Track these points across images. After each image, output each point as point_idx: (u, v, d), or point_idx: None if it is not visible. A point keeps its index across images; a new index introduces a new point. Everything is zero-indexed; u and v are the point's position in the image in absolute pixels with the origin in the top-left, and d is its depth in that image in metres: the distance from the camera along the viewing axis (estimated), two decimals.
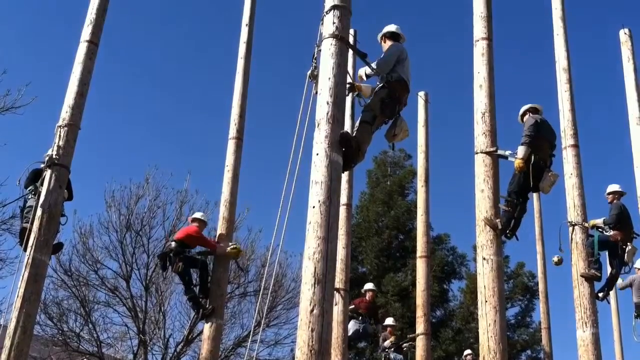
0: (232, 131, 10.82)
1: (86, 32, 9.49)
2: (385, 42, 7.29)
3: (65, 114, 8.97)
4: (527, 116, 8.92)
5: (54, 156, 8.68)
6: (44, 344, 20.52)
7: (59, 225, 9.09)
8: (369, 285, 14.40)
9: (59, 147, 8.75)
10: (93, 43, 9.44)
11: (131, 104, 47.10)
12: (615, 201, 10.75)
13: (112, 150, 43.58)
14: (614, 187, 10.94)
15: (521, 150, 8.00)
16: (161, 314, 20.66)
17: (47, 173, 8.65)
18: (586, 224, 9.36)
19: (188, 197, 20.84)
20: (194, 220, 10.99)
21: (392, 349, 14.12)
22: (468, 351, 16.15)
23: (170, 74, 49.24)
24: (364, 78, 7.03)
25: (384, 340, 14.45)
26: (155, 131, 46.88)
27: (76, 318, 20.36)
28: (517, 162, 7.95)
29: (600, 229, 9.99)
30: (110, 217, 20.35)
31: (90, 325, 20.18)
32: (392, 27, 7.31)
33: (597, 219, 10.22)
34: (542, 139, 8.50)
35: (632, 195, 11.43)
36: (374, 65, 6.65)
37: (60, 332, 19.96)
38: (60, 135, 8.81)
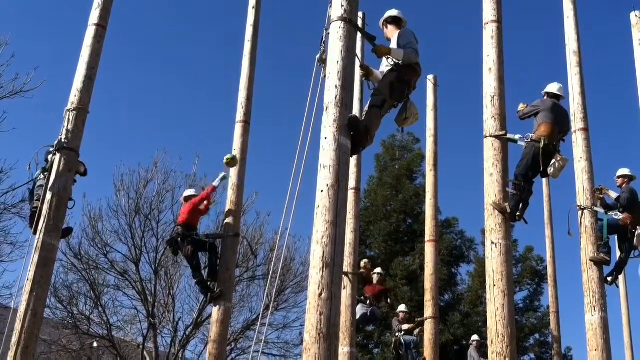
0: (240, 115, 10.83)
1: (94, 15, 9.48)
2: (387, 27, 7.16)
3: (74, 97, 8.98)
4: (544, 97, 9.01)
5: (62, 140, 8.70)
6: (54, 327, 20.67)
7: (67, 209, 9.14)
8: (377, 270, 14.43)
9: (67, 131, 8.77)
10: (101, 26, 9.43)
11: (140, 87, 47.16)
12: (625, 185, 10.71)
13: (121, 134, 43.72)
14: (624, 171, 10.89)
15: None
16: (170, 297, 20.77)
17: (57, 157, 8.67)
18: (596, 208, 9.32)
19: (196, 181, 20.87)
20: (187, 198, 11.04)
21: (403, 333, 14.15)
22: (475, 337, 16.14)
23: (179, 57, 49.19)
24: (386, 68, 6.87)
25: (398, 324, 14.48)
26: (163, 115, 46.93)
27: (86, 301, 20.53)
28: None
29: (607, 211, 9.95)
30: (119, 201, 20.45)
31: (100, 309, 20.32)
32: (394, 12, 7.19)
33: (612, 192, 10.24)
34: (551, 124, 8.47)
35: None
36: (401, 55, 6.51)
37: (70, 315, 20.11)
38: (69, 119, 8.83)
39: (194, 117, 46.25)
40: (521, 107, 8.97)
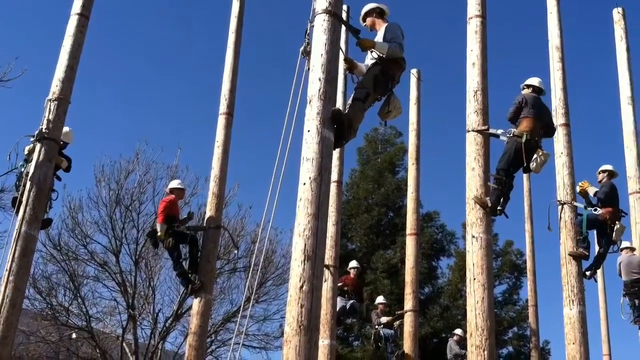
0: (223, 107, 10.79)
1: (77, 5, 9.40)
2: (374, 20, 7.11)
3: (55, 87, 8.91)
4: (523, 91, 9.01)
5: (43, 130, 8.63)
6: (32, 318, 20.53)
7: (51, 201, 9.09)
8: (352, 263, 14.50)
9: (48, 120, 8.69)
10: (84, 16, 9.35)
11: (122, 78, 46.82)
12: (605, 180, 10.82)
13: (102, 124, 43.39)
14: (606, 167, 11.00)
15: None
16: (150, 288, 20.69)
17: (37, 147, 8.60)
18: (575, 203, 9.39)
19: (178, 173, 20.78)
20: (172, 190, 11.00)
21: (382, 326, 14.23)
22: (458, 331, 16.20)
23: (162, 47, 48.88)
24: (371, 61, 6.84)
25: (377, 317, 14.54)
26: (145, 106, 46.64)
27: (65, 292, 20.39)
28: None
29: (587, 207, 10.05)
30: (99, 191, 20.30)
31: (80, 300, 20.19)
32: (373, 5, 7.14)
33: (592, 187, 10.34)
34: (533, 118, 8.51)
35: (622, 175, 11.51)
36: (385, 49, 6.49)
37: (49, 306, 19.97)
38: (50, 109, 8.76)
39: (176, 108, 46.06)
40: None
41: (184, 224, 10.66)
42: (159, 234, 10.29)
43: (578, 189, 9.88)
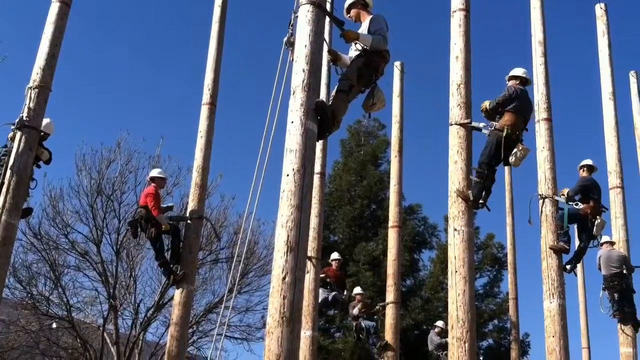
0: (206, 97, 10.74)
1: None
2: (358, 12, 7.08)
3: (35, 75, 8.82)
4: (510, 82, 9.00)
5: (24, 118, 8.55)
6: (13, 307, 20.41)
7: (29, 190, 9.01)
8: (334, 255, 14.53)
9: (29, 108, 8.61)
10: (65, 3, 9.25)
11: (103, 66, 46.46)
12: (584, 175, 10.90)
13: (84, 113, 43.07)
14: (585, 162, 11.09)
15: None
16: (132, 279, 20.61)
17: (17, 135, 8.53)
18: (557, 197, 9.45)
19: (160, 163, 20.66)
20: (153, 179, 10.95)
21: (363, 317, 14.27)
22: (440, 323, 16.29)
23: (144, 36, 48.54)
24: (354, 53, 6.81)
25: (352, 308, 14.60)
26: (127, 95, 46.34)
27: (45, 282, 20.27)
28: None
29: (570, 202, 10.12)
30: (80, 181, 20.16)
31: (60, 289, 20.08)
32: None
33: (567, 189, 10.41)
34: (516, 113, 8.53)
35: (603, 170, 11.61)
36: (369, 41, 6.47)
37: (29, 295, 19.85)
38: (30, 97, 8.67)
39: (159, 98, 45.80)
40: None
41: (164, 212, 10.65)
42: (163, 226, 10.20)
43: (562, 192, 9.92)
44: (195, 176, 10.44)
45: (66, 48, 9.19)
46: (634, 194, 14.22)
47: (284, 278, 4.72)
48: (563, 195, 10.11)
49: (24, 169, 8.42)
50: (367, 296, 15.30)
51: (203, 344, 22.25)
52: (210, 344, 22.03)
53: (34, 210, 11.43)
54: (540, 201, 9.30)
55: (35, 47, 9.01)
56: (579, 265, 13.97)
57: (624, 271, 11.28)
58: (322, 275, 13.17)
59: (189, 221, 10.23)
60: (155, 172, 11.28)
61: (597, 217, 10.37)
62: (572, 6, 49.43)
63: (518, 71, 9.16)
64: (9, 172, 8.35)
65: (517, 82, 9.03)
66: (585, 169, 11.02)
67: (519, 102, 8.63)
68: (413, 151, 37.78)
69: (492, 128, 8.33)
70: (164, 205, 10.88)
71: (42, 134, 9.08)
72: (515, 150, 8.45)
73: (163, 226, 10.22)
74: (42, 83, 8.76)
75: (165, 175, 11.84)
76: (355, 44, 6.60)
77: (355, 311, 14.38)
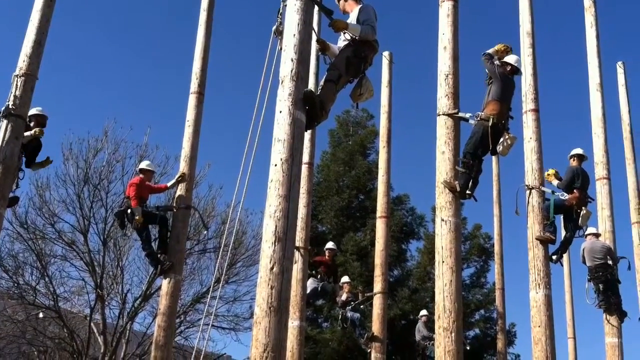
0: (194, 85, 10.71)
1: None
2: (339, 1, 7.08)
3: (22, 63, 8.75)
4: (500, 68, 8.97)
5: (10, 106, 8.49)
6: None
7: (18, 180, 8.98)
8: (329, 245, 14.54)
9: (15, 97, 8.55)
10: None
11: (90, 54, 46.15)
12: (574, 164, 10.95)
13: (70, 101, 42.79)
14: (575, 151, 11.14)
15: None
16: (119, 268, 20.52)
17: (3, 123, 8.47)
18: (544, 188, 9.49)
19: (148, 152, 20.58)
20: (141, 171, 10.96)
21: (350, 307, 14.30)
22: (424, 312, 16.40)
23: (132, 24, 48.23)
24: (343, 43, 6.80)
25: (339, 297, 14.63)
26: (114, 84, 46.07)
27: (32, 271, 20.14)
28: None
29: (555, 192, 10.17)
30: (67, 170, 20.00)
31: (47, 279, 19.97)
32: None
33: (556, 180, 10.49)
34: (500, 102, 8.52)
35: (590, 161, 11.66)
36: (358, 31, 6.45)
37: (15, 285, 19.74)
38: (17, 85, 8.62)
39: (146, 86, 45.57)
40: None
41: (165, 211, 10.73)
42: (136, 217, 10.21)
43: (545, 176, 9.99)
44: (182, 165, 10.41)
45: (53, 36, 9.10)
46: (620, 185, 14.27)
47: (271, 268, 4.71)
48: (549, 175, 10.17)
49: (10, 158, 8.36)
50: (355, 286, 15.31)
51: (190, 334, 22.22)
52: (198, 334, 22.02)
53: (20, 199, 11.37)
54: (527, 192, 9.33)
55: (22, 35, 8.96)
56: (565, 256, 14.08)
57: (609, 262, 11.34)
58: (317, 259, 13.27)
59: (176, 211, 10.22)
60: (143, 164, 11.28)
61: (583, 207, 10.44)
62: None
63: (510, 58, 9.12)
64: None
65: (509, 69, 9.01)
66: (575, 158, 11.06)
67: (503, 90, 8.58)
68: (401, 141, 37.86)
69: (478, 118, 8.33)
70: (163, 205, 10.93)
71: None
72: (502, 139, 8.47)
73: (137, 217, 10.20)
74: (28, 71, 8.70)
75: (153, 168, 11.85)
76: (344, 33, 6.58)
77: (344, 297, 14.41)
